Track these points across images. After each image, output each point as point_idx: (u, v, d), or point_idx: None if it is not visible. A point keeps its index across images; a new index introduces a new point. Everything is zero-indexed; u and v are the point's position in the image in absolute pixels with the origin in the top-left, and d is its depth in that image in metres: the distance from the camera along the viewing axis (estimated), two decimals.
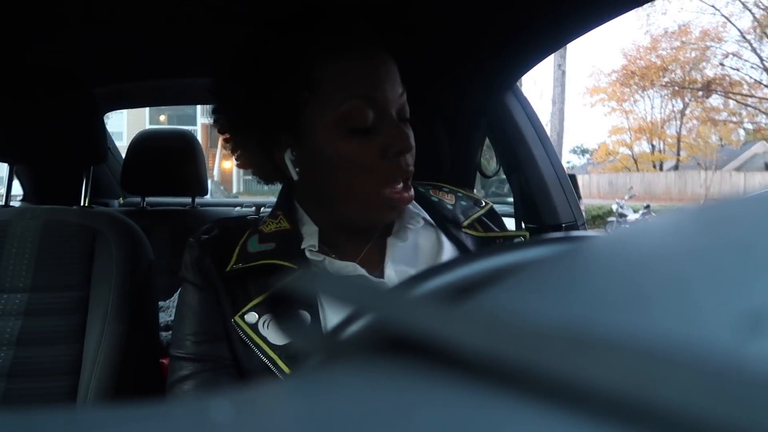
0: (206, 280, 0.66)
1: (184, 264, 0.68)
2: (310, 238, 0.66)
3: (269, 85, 0.62)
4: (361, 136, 0.61)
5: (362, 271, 0.65)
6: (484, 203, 0.77)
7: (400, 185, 0.63)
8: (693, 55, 20.58)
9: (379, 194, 0.62)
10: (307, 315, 0.60)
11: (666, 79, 21.75)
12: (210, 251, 0.67)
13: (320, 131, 0.62)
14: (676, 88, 21.51)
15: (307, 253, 0.65)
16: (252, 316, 0.61)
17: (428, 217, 0.72)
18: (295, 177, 0.65)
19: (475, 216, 0.74)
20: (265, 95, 0.62)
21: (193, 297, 0.66)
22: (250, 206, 1.98)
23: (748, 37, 18.43)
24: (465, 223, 0.72)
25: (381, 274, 0.65)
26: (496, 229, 0.74)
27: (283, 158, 0.66)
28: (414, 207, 0.71)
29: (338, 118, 0.61)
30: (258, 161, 0.69)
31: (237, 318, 0.61)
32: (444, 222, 0.72)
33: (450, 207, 0.74)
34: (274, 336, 0.59)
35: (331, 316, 0.59)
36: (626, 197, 11.22)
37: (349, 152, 0.61)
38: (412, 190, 0.65)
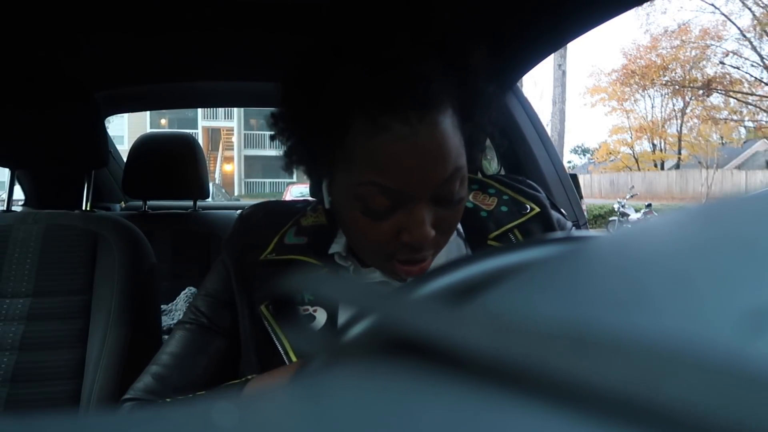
0: (233, 256, 0.68)
1: (228, 234, 0.72)
2: (338, 243, 0.66)
3: (316, 124, 0.56)
4: (375, 216, 0.56)
5: (385, 279, 0.64)
6: (529, 209, 0.69)
7: (411, 265, 0.58)
8: (693, 53, 20.59)
9: (387, 263, 0.59)
10: (320, 315, 0.61)
11: (666, 78, 21.77)
12: (250, 231, 0.69)
13: (342, 191, 0.58)
14: (677, 87, 21.53)
15: (336, 258, 0.66)
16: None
17: (459, 227, 0.67)
18: (327, 206, 0.64)
19: (511, 225, 0.67)
20: (315, 130, 0.57)
21: (217, 263, 0.71)
22: None
23: (748, 35, 18.44)
24: (492, 235, 0.66)
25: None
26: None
27: (323, 181, 0.65)
28: None
29: (355, 195, 0.55)
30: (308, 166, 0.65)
31: (263, 308, 0.63)
32: (473, 232, 0.67)
33: (483, 215, 0.68)
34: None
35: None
36: (628, 196, 11.23)
37: (360, 226, 0.57)
38: (429, 260, 0.59)
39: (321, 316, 0.61)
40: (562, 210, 0.73)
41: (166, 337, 1.27)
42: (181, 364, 0.66)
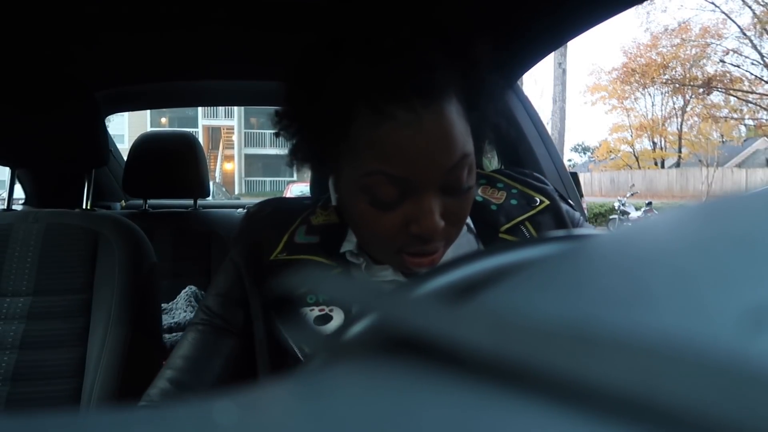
0: (243, 255, 0.68)
1: (235, 232, 0.72)
2: (350, 242, 0.65)
3: (320, 119, 0.56)
4: (382, 207, 0.55)
5: (397, 277, 0.64)
6: (539, 201, 0.68)
7: (421, 257, 0.58)
8: (693, 52, 20.58)
9: (396, 255, 0.59)
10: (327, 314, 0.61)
11: (666, 77, 21.76)
12: (257, 229, 0.69)
13: (348, 184, 0.58)
14: (677, 85, 21.51)
15: (347, 255, 0.65)
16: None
17: (470, 222, 0.67)
18: (334, 202, 0.64)
19: (522, 218, 0.66)
20: (319, 126, 0.57)
21: (226, 263, 0.71)
22: None
23: (749, 33, 18.42)
24: (504, 228, 0.65)
25: None
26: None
27: (329, 178, 0.64)
28: None
29: (361, 186, 0.55)
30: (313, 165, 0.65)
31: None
32: (483, 227, 0.67)
33: (494, 208, 0.67)
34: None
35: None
36: (628, 195, 11.22)
37: (368, 218, 0.57)
38: (441, 252, 0.59)
39: (338, 316, 0.60)
40: (570, 201, 0.72)
41: (166, 336, 1.27)
42: (195, 367, 0.65)
